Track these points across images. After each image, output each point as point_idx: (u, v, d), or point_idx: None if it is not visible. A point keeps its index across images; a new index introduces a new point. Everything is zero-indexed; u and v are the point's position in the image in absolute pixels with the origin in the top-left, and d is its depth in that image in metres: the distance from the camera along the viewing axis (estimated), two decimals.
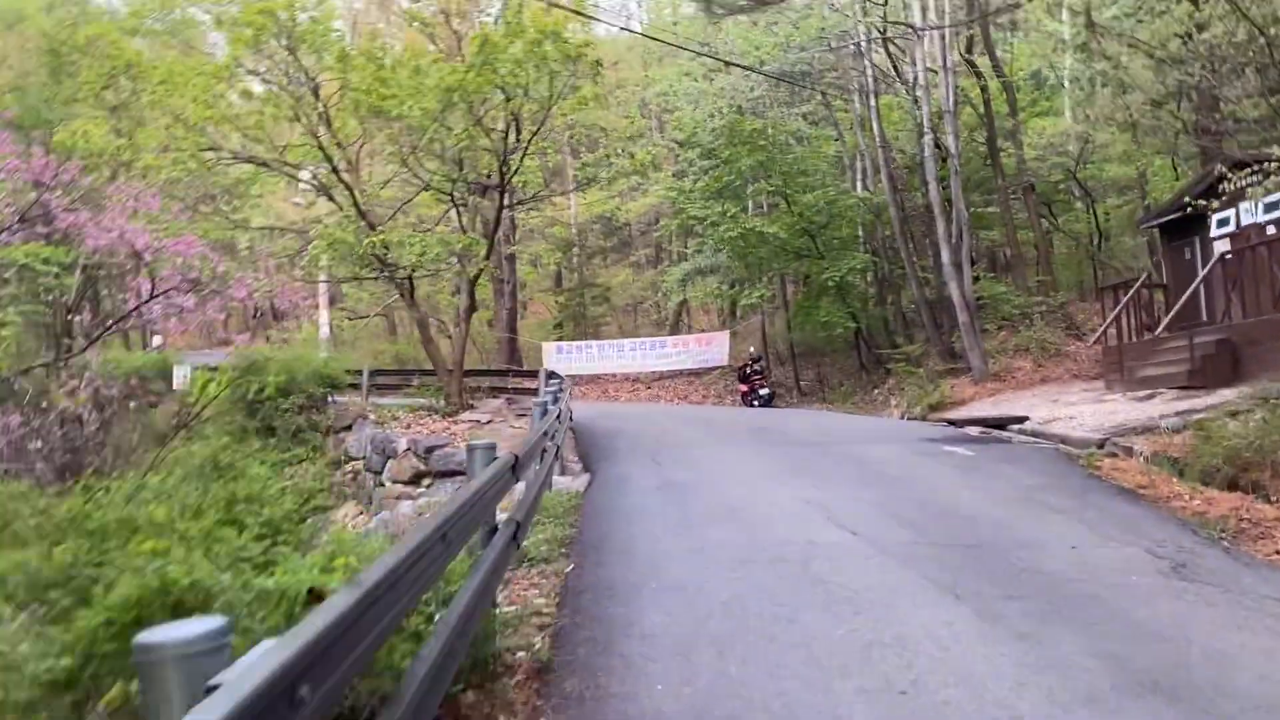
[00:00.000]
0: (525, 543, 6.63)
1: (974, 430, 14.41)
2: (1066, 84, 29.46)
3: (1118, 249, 26.41)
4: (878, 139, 21.29)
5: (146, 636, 1.63)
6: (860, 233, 26.52)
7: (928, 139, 19.04)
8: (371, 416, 19.12)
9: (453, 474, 13.78)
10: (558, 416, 8.75)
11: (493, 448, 4.81)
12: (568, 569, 6.21)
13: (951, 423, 15.45)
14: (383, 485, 15.28)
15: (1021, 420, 15.04)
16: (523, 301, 39.38)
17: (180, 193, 20.20)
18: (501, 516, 4.87)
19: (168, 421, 25.96)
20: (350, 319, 37.16)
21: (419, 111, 13.70)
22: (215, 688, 1.46)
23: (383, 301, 33.41)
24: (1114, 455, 11.16)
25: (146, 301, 9.95)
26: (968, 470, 9.78)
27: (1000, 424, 15.06)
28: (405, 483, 14.44)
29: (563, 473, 11.93)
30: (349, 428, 19.62)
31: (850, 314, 23.51)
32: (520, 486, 7.40)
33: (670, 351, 28.71)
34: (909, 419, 18.05)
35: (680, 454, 12.24)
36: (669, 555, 6.44)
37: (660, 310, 34.32)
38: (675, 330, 32.80)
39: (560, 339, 32.57)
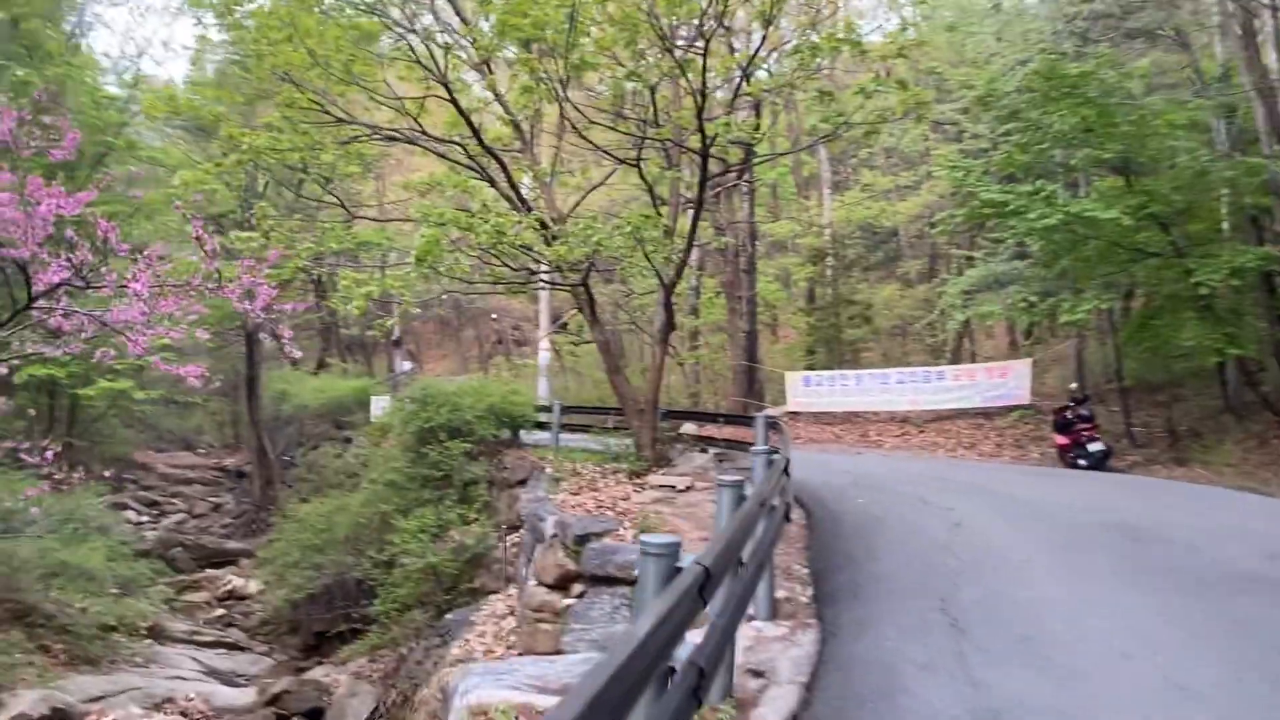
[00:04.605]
0: None
1: None
2: None
3: None
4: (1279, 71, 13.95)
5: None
6: (1226, 222, 18.81)
7: None
8: (549, 470, 14.64)
9: (614, 582, 8.75)
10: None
11: None
12: None
13: None
14: (527, 583, 10.55)
15: None
16: (768, 324, 34.03)
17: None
18: None
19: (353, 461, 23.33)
20: (576, 343, 33.67)
21: (564, 26, 8.95)
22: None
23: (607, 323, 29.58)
24: None
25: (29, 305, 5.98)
26: None
27: None
28: (550, 586, 9.54)
29: (772, 615, 6.57)
30: (523, 482, 15.28)
31: (1227, 336, 16.10)
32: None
33: (951, 385, 22.15)
34: None
35: (1000, 595, 6.42)
36: None
37: (937, 333, 27.55)
38: (956, 359, 26.05)
39: (810, 367, 26.88)
